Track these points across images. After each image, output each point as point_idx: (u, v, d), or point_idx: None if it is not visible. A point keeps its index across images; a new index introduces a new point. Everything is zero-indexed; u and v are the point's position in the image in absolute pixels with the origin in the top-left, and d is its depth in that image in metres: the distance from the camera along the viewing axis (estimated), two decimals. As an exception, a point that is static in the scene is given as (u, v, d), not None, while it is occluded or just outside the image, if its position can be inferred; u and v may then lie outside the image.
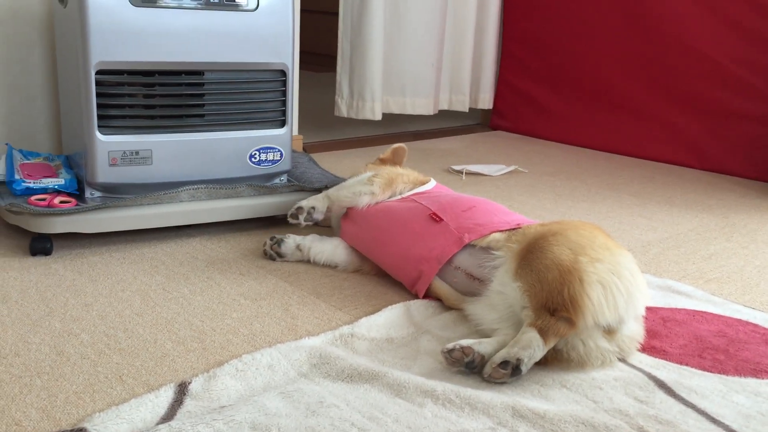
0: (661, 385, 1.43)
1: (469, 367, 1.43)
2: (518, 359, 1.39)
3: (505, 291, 1.55)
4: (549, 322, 1.42)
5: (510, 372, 1.39)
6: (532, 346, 1.40)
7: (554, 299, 1.43)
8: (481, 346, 1.45)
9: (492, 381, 1.40)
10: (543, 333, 1.41)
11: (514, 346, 1.41)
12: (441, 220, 1.78)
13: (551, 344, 1.43)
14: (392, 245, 1.84)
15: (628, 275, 1.48)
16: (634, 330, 1.54)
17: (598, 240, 1.53)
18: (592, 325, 1.45)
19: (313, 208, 2.01)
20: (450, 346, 1.45)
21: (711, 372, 1.49)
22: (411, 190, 1.99)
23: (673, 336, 1.64)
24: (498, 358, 1.41)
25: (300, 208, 2.01)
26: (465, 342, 1.45)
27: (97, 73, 1.94)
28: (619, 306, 1.45)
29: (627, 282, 1.47)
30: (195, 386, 1.35)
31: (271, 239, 2.02)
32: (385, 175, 1.99)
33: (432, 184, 2.04)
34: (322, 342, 1.53)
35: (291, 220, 2.02)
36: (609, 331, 1.49)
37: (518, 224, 1.71)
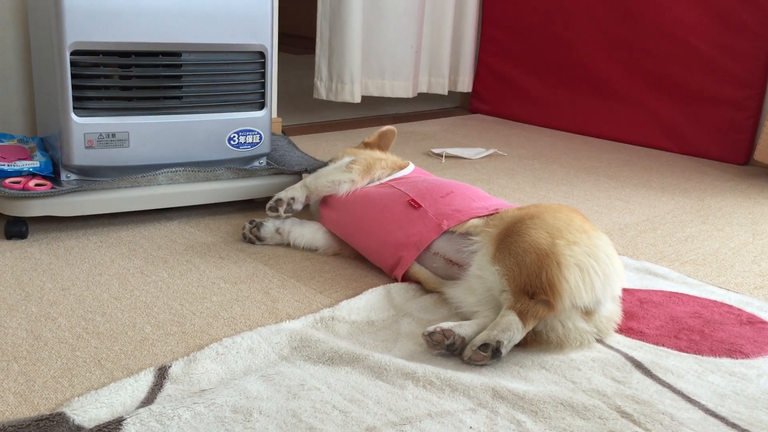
0: (638, 365, 1.45)
1: (449, 349, 1.44)
2: (498, 342, 1.40)
3: (483, 275, 1.56)
4: (528, 305, 1.43)
5: (490, 354, 1.40)
6: (512, 329, 1.42)
7: (533, 282, 1.45)
8: (462, 328, 1.46)
9: (472, 363, 1.41)
10: (522, 316, 1.43)
11: (493, 328, 1.43)
12: (419, 206, 1.78)
13: (530, 327, 1.44)
14: (371, 232, 1.84)
15: (604, 257, 1.50)
16: (611, 310, 1.56)
17: (574, 223, 1.54)
18: (569, 307, 1.46)
19: (293, 198, 1.97)
20: (431, 329, 1.45)
21: (687, 352, 1.51)
22: (389, 175, 1.98)
23: (650, 317, 1.67)
24: (478, 340, 1.42)
25: (279, 200, 1.97)
26: (446, 325, 1.45)
27: (72, 53, 1.91)
28: (596, 288, 1.47)
29: (603, 264, 1.49)
30: (175, 370, 1.34)
31: (250, 223, 2.01)
32: (363, 161, 1.98)
33: (411, 168, 2.03)
34: (302, 325, 1.53)
35: (270, 213, 1.98)
36: (587, 312, 1.50)
37: (496, 209, 1.71)
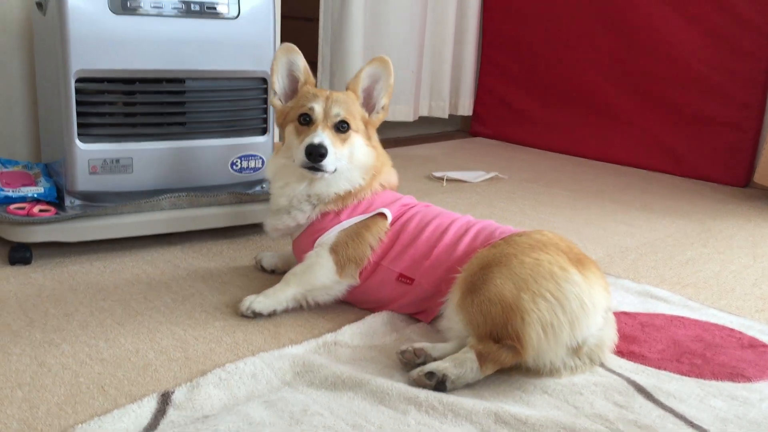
0: (641, 389, 1.45)
1: None
2: (444, 375, 1.41)
3: (452, 326, 1.56)
4: (491, 348, 1.44)
5: (434, 384, 1.41)
6: (465, 367, 1.42)
7: (499, 331, 1.45)
8: (436, 350, 1.49)
9: (416, 386, 1.41)
10: (481, 358, 1.43)
11: (447, 361, 1.44)
12: (412, 281, 1.70)
13: (489, 371, 1.44)
14: (372, 309, 1.77)
15: (572, 301, 1.46)
16: (600, 337, 1.53)
17: (541, 269, 1.49)
18: (533, 360, 1.46)
19: (274, 311, 1.72)
20: (404, 347, 1.49)
21: (689, 376, 1.51)
22: (377, 243, 1.76)
23: (652, 341, 1.67)
24: (428, 367, 1.43)
25: (260, 315, 1.70)
26: (418, 344, 1.50)
27: (77, 81, 1.93)
28: (563, 337, 1.45)
29: (571, 310, 1.46)
30: (178, 396, 1.34)
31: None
32: (353, 258, 1.74)
33: (389, 217, 1.77)
34: (305, 350, 1.53)
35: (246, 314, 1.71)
36: (573, 350, 1.49)
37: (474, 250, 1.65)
